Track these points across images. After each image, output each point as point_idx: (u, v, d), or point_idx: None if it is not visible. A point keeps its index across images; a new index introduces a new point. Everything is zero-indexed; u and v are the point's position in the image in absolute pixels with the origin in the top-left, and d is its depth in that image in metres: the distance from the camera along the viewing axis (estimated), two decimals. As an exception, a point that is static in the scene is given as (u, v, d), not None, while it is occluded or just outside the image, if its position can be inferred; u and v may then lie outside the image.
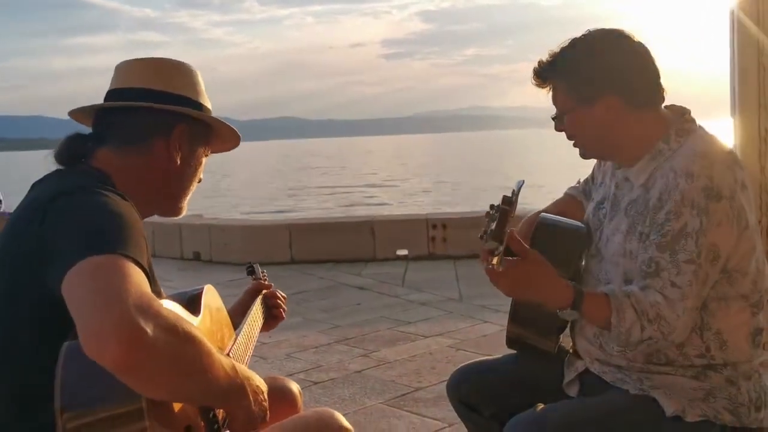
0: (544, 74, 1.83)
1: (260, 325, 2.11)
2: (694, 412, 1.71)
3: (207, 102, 1.70)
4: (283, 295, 2.26)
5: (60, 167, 1.54)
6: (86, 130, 1.65)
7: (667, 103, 1.83)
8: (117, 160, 1.56)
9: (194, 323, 1.40)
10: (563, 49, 1.80)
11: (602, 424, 1.75)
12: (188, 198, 1.71)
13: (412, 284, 7.37)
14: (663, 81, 1.79)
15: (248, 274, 2.32)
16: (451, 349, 5.02)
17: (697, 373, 1.74)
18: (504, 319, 2.05)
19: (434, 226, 8.87)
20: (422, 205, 24.58)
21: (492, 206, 1.65)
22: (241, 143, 1.81)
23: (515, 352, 2.12)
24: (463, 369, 2.17)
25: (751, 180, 1.76)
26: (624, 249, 1.77)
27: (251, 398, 1.38)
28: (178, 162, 1.62)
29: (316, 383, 4.39)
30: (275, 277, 2.43)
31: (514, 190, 1.66)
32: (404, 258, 8.73)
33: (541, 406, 1.81)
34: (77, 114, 1.66)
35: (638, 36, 1.79)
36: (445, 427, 3.60)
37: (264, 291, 2.20)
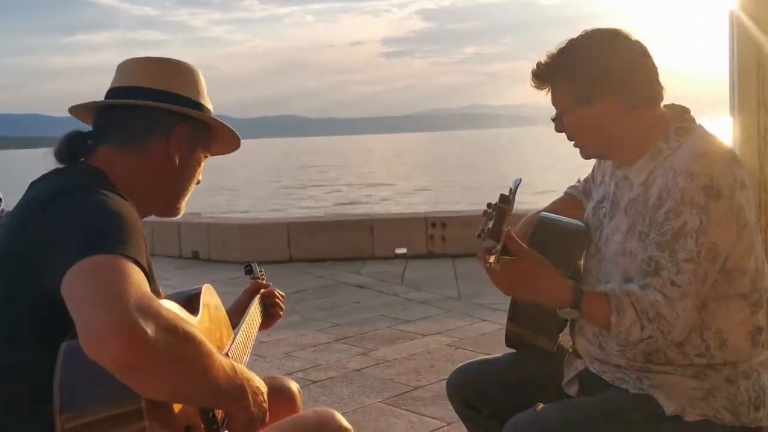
0: (542, 76, 1.83)
1: (258, 325, 2.11)
2: (694, 412, 1.71)
3: (208, 103, 1.70)
4: (282, 293, 2.26)
5: (59, 166, 1.54)
6: (86, 127, 1.65)
7: (665, 102, 1.83)
8: (116, 159, 1.56)
9: (193, 323, 1.39)
10: (561, 50, 1.80)
11: (602, 424, 1.75)
12: (186, 199, 1.71)
13: (411, 283, 7.37)
14: (661, 80, 1.79)
15: (246, 274, 2.32)
16: (449, 347, 5.02)
17: (697, 372, 1.74)
18: (503, 318, 2.05)
19: (433, 225, 8.87)
20: (421, 203, 24.57)
21: (489, 205, 1.65)
22: (241, 141, 1.81)
23: (514, 351, 2.12)
24: (463, 368, 2.18)
25: (750, 179, 1.76)
26: (624, 248, 1.77)
27: (251, 399, 1.38)
28: (177, 162, 1.62)
29: (314, 382, 4.39)
30: (274, 276, 2.43)
31: (511, 189, 1.67)
32: (403, 256, 8.73)
33: (540, 405, 1.81)
34: (78, 111, 1.66)
35: (636, 35, 1.79)
36: (443, 426, 3.60)
37: (262, 290, 2.20)
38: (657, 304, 1.63)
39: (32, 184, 1.50)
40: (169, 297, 1.53)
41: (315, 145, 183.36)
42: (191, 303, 1.61)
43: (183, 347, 1.18)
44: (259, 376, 1.48)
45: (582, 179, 2.22)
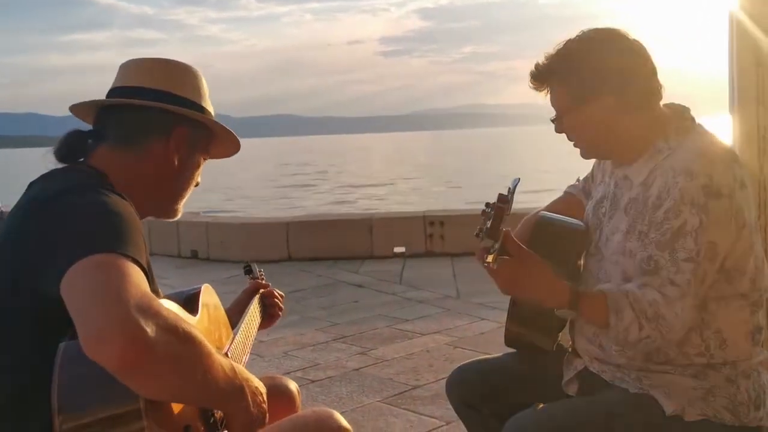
0: (541, 77, 1.83)
1: (258, 325, 2.11)
2: (694, 411, 1.71)
3: (209, 106, 1.70)
4: (281, 294, 2.26)
5: (57, 166, 1.54)
6: (86, 126, 1.65)
7: (664, 102, 1.83)
8: (116, 159, 1.55)
9: (192, 322, 1.39)
10: (559, 51, 1.79)
11: (601, 423, 1.75)
12: (184, 201, 1.71)
13: (410, 282, 7.37)
14: (660, 80, 1.79)
15: (246, 274, 2.32)
16: (448, 346, 5.02)
17: (697, 371, 1.74)
18: (501, 317, 2.05)
19: (432, 224, 8.87)
20: (420, 202, 24.57)
21: (488, 204, 1.65)
22: (240, 145, 1.81)
23: (514, 351, 2.12)
24: (462, 368, 2.17)
25: (750, 178, 1.76)
26: (624, 248, 1.77)
27: (250, 400, 1.37)
28: (177, 163, 1.62)
29: (313, 381, 4.39)
30: (272, 275, 2.42)
31: (510, 188, 1.67)
32: (402, 255, 8.73)
33: (540, 405, 1.81)
34: (78, 109, 1.66)
35: (634, 35, 1.79)
36: (442, 425, 3.60)
37: (261, 290, 2.19)
38: (655, 304, 1.63)
39: (31, 184, 1.50)
40: (169, 297, 1.53)
41: (313, 145, 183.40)
42: (190, 303, 1.61)
43: (183, 347, 1.18)
44: (257, 375, 1.48)
45: (581, 178, 2.22)
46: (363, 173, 46.30)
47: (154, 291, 1.34)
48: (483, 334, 5.30)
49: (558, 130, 1.86)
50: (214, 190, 29.98)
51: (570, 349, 2.00)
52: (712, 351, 1.72)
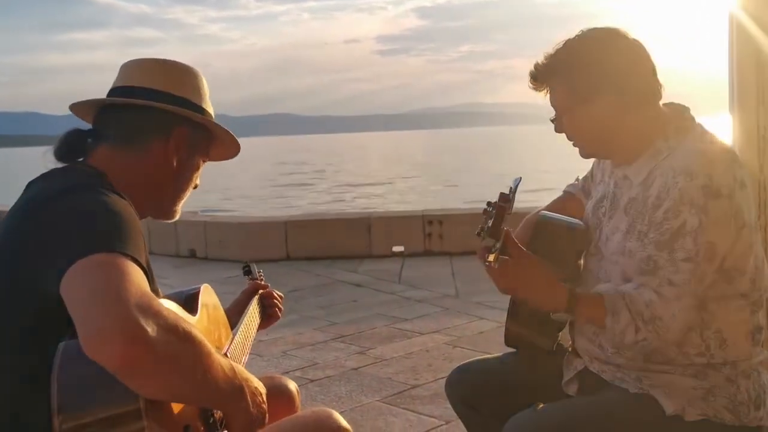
0: (540, 77, 1.83)
1: (257, 325, 2.11)
2: (694, 411, 1.71)
3: (210, 107, 1.69)
4: (280, 294, 2.26)
5: (56, 165, 1.54)
6: (85, 125, 1.65)
7: (664, 101, 1.83)
8: (115, 159, 1.55)
9: (192, 322, 1.39)
10: (558, 51, 1.79)
11: (601, 424, 1.75)
12: (183, 202, 1.71)
13: (409, 281, 7.37)
14: (660, 79, 1.79)
15: (245, 275, 2.32)
16: (447, 346, 5.02)
17: (697, 371, 1.73)
18: (501, 316, 2.05)
19: (430, 223, 8.87)
20: (418, 201, 24.58)
21: (489, 203, 1.65)
22: (240, 147, 1.81)
23: (514, 350, 2.12)
24: (462, 367, 2.17)
25: (750, 178, 1.75)
26: (623, 248, 1.77)
27: (249, 400, 1.37)
28: (176, 164, 1.62)
29: (312, 381, 4.39)
30: (271, 274, 2.43)
31: (511, 188, 1.67)
32: (400, 254, 8.73)
33: (540, 405, 1.81)
34: (78, 108, 1.65)
35: (634, 34, 1.79)
36: (441, 425, 3.60)
37: (260, 291, 2.19)
38: (652, 305, 1.63)
39: (30, 184, 1.50)
40: (168, 296, 1.53)
41: (310, 143, 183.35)
42: (190, 303, 1.61)
43: (183, 347, 1.18)
44: (256, 374, 1.48)
45: (581, 177, 2.22)
46: (361, 172, 46.28)
47: (154, 291, 1.34)
48: (482, 333, 5.30)
49: (558, 130, 1.86)
50: (212, 190, 29.96)
51: (570, 349, 2.00)
52: (712, 351, 1.72)
